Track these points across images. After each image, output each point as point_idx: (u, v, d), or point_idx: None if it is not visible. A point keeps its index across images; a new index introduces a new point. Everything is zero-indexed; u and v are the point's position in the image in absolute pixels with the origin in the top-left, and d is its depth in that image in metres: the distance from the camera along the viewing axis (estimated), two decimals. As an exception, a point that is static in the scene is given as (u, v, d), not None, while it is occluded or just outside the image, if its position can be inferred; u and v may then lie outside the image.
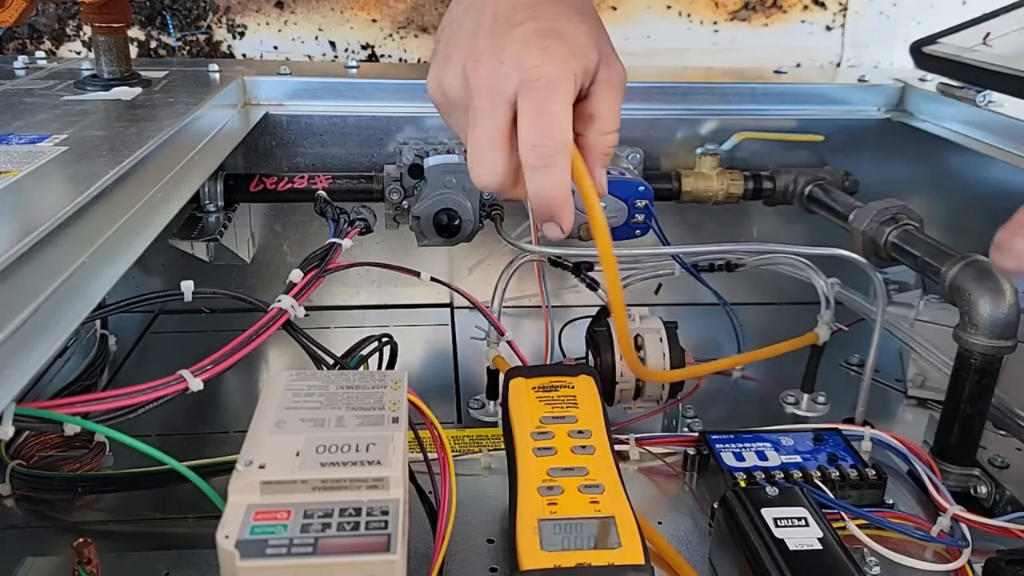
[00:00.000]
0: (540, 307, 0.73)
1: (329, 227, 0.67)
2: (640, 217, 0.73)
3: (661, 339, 0.68)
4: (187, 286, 0.55)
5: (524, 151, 0.45)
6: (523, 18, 0.46)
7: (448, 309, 0.95)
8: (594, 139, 0.48)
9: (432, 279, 0.64)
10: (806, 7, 1.08)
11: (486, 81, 0.46)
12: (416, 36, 1.03)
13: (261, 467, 0.42)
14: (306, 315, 0.55)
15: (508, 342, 0.68)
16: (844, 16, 1.09)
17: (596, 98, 0.48)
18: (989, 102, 0.81)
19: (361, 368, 0.57)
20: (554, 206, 0.47)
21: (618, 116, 0.48)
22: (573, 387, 0.58)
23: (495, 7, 0.47)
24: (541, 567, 0.45)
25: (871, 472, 0.60)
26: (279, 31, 1.01)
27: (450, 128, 0.51)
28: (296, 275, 0.57)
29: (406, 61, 1.04)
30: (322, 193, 0.77)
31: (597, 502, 0.49)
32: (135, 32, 0.99)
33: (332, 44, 1.02)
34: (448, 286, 0.68)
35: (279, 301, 0.54)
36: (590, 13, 0.49)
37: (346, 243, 0.63)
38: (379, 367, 0.59)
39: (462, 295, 0.67)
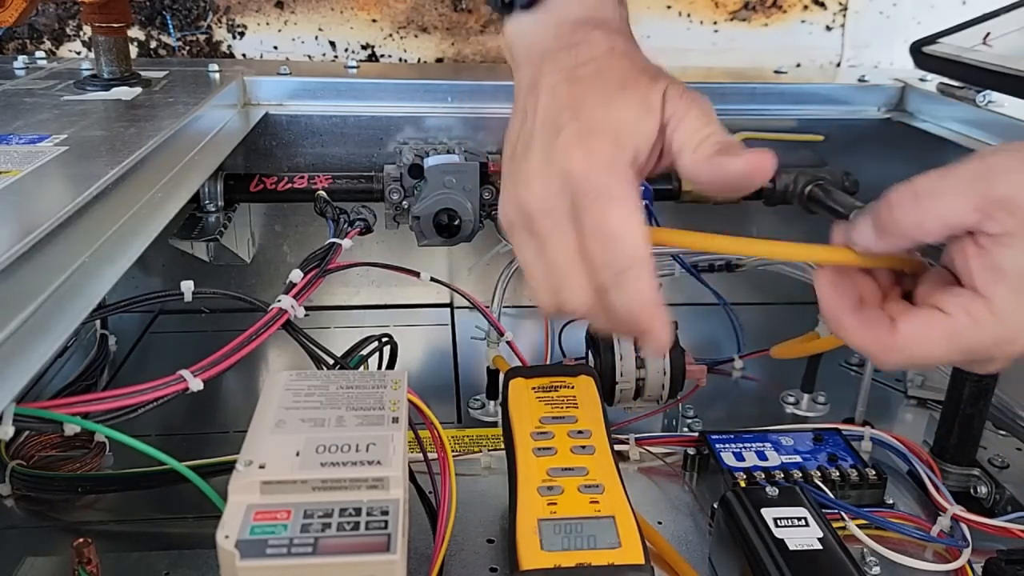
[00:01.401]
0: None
1: (329, 227, 0.67)
2: (640, 217, 0.73)
3: (661, 339, 0.68)
4: (187, 286, 0.55)
5: (595, 274, 0.41)
6: (566, 120, 0.42)
7: (448, 309, 0.95)
8: (692, 158, 0.42)
9: (432, 279, 0.64)
10: (806, 7, 1.08)
11: (541, 204, 0.42)
12: (416, 36, 1.03)
13: (261, 467, 0.42)
14: (306, 315, 0.55)
15: (508, 342, 0.68)
16: (844, 16, 1.09)
17: (676, 133, 0.42)
18: (989, 102, 0.81)
19: (361, 368, 0.57)
20: (642, 320, 0.42)
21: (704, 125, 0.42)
22: (573, 387, 0.58)
23: (544, 110, 0.43)
24: (541, 567, 0.45)
25: (871, 472, 0.60)
26: (279, 31, 1.01)
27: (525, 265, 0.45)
28: (296, 275, 0.57)
29: (406, 61, 1.04)
30: (322, 193, 0.77)
31: (597, 502, 0.49)
32: (135, 32, 0.99)
33: (332, 44, 1.02)
34: (448, 286, 0.68)
35: (279, 301, 0.54)
36: (633, 74, 0.43)
37: (346, 243, 0.63)
38: (379, 367, 0.59)
39: (462, 295, 0.68)
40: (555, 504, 0.48)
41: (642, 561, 0.45)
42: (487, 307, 0.68)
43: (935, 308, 0.38)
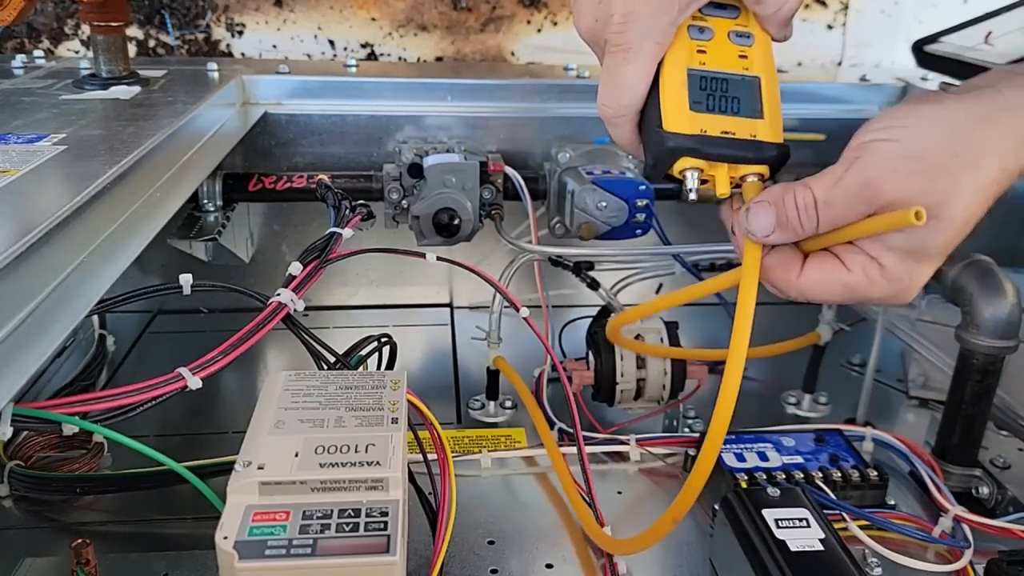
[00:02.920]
0: (540, 307, 0.73)
1: (329, 215, 0.65)
2: (641, 217, 0.73)
3: (661, 339, 0.68)
4: (186, 279, 0.55)
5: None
6: None
7: (448, 309, 0.95)
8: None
9: (439, 258, 0.62)
10: (807, 6, 1.08)
11: (586, 36, 0.47)
12: (415, 35, 1.03)
13: (260, 468, 0.42)
14: (306, 314, 0.54)
15: (525, 318, 0.65)
16: (845, 15, 1.08)
17: None
18: (990, 101, 0.80)
19: (360, 368, 0.57)
20: (629, 152, 0.48)
21: (831, 189, 0.43)
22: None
23: None
24: (686, 131, 0.43)
25: (872, 473, 0.60)
26: (278, 30, 1.01)
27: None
28: (296, 267, 0.56)
29: (405, 60, 1.03)
30: (323, 178, 0.76)
31: (746, 56, 0.45)
32: (133, 31, 0.99)
33: (331, 43, 1.02)
34: (462, 264, 0.64)
35: (278, 295, 0.53)
36: None
37: (347, 232, 0.61)
38: (378, 367, 0.59)
39: (475, 272, 0.64)
40: (704, 52, 0.45)
41: (781, 139, 0.44)
42: (490, 305, 0.67)
43: (838, 261, 0.44)
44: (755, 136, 0.44)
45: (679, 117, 0.44)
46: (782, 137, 0.45)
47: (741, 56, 0.45)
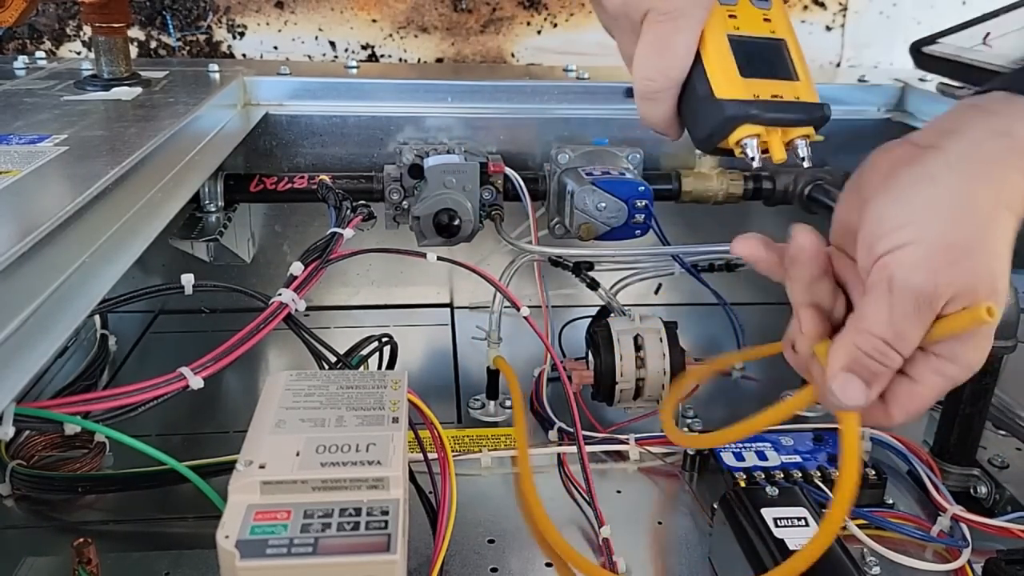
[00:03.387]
0: (540, 307, 0.73)
1: (330, 216, 0.65)
2: (640, 217, 0.73)
3: (661, 339, 0.68)
4: (187, 279, 0.55)
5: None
6: None
7: (448, 309, 0.95)
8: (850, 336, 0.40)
9: (439, 258, 0.63)
10: (806, 7, 1.08)
11: (614, 10, 0.44)
12: (416, 36, 1.03)
13: (261, 467, 0.42)
14: (307, 314, 0.55)
15: (525, 318, 0.65)
16: (844, 16, 1.09)
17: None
18: (989, 102, 0.80)
19: (361, 368, 0.57)
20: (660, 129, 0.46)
21: (892, 322, 0.39)
22: None
23: None
24: (742, 98, 0.42)
25: (871, 472, 0.60)
26: (279, 31, 1.01)
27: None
28: (297, 268, 0.56)
29: (406, 61, 1.04)
30: (325, 178, 0.76)
31: (769, 20, 0.45)
32: (135, 32, 0.99)
33: (332, 44, 1.02)
34: (462, 264, 0.65)
35: (280, 295, 0.54)
36: None
37: (348, 232, 0.61)
38: (379, 367, 0.59)
39: (477, 272, 0.64)
40: (735, 17, 0.44)
41: (818, 99, 0.43)
42: (500, 286, 0.66)
43: (909, 379, 0.40)
44: (799, 97, 0.44)
45: (732, 84, 0.43)
46: (818, 96, 0.44)
47: (765, 20, 0.45)
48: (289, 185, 0.80)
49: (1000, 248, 0.38)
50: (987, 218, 0.37)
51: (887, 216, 0.39)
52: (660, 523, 0.60)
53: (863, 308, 0.39)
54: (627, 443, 0.66)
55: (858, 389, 0.39)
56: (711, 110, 0.43)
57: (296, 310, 0.54)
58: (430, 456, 0.54)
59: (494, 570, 0.55)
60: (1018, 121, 0.39)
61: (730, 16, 0.44)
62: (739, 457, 0.61)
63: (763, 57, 0.44)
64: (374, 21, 1.02)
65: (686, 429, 0.72)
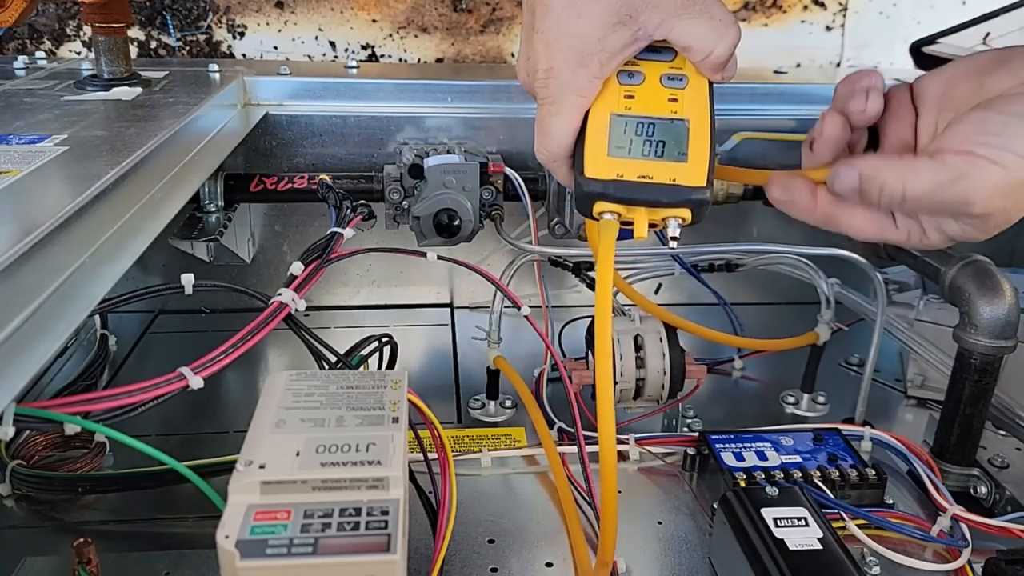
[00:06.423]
0: (540, 307, 0.73)
1: (331, 215, 0.66)
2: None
3: (661, 339, 0.68)
4: (187, 279, 0.55)
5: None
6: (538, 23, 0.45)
7: (448, 309, 0.95)
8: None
9: (439, 257, 0.63)
10: (806, 7, 1.08)
11: (521, 78, 0.49)
12: (416, 36, 1.03)
13: (261, 467, 0.42)
14: (307, 314, 0.55)
15: (526, 317, 0.65)
16: (844, 16, 1.09)
17: (676, 34, 0.45)
18: (989, 102, 0.80)
19: (361, 368, 0.57)
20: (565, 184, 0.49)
21: (710, 40, 0.45)
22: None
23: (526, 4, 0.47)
24: (601, 177, 0.44)
25: (871, 472, 0.60)
26: (279, 31, 1.01)
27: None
28: (297, 267, 0.56)
29: (406, 61, 1.04)
30: (325, 178, 0.76)
31: (676, 100, 0.46)
32: (135, 32, 0.99)
33: (332, 44, 1.02)
34: (463, 263, 0.65)
35: (280, 295, 0.54)
36: None
37: (348, 232, 0.61)
38: (379, 367, 0.59)
39: (477, 271, 0.64)
40: (632, 97, 0.46)
41: (704, 183, 0.44)
42: (500, 285, 0.66)
43: (889, 220, 0.48)
44: (675, 180, 0.45)
45: (597, 163, 0.45)
46: (706, 180, 0.45)
47: (671, 99, 0.46)
48: (289, 185, 0.80)
49: None
50: None
51: (991, 121, 0.42)
52: (660, 523, 0.60)
53: (918, 164, 0.43)
54: (627, 443, 0.66)
55: (853, 182, 0.46)
56: (578, 184, 0.46)
57: (296, 310, 0.54)
58: (430, 456, 0.54)
59: (494, 570, 0.55)
60: None
61: (626, 96, 0.46)
62: (739, 457, 0.61)
63: (648, 137, 0.45)
64: (374, 21, 1.02)
65: (686, 429, 0.72)
